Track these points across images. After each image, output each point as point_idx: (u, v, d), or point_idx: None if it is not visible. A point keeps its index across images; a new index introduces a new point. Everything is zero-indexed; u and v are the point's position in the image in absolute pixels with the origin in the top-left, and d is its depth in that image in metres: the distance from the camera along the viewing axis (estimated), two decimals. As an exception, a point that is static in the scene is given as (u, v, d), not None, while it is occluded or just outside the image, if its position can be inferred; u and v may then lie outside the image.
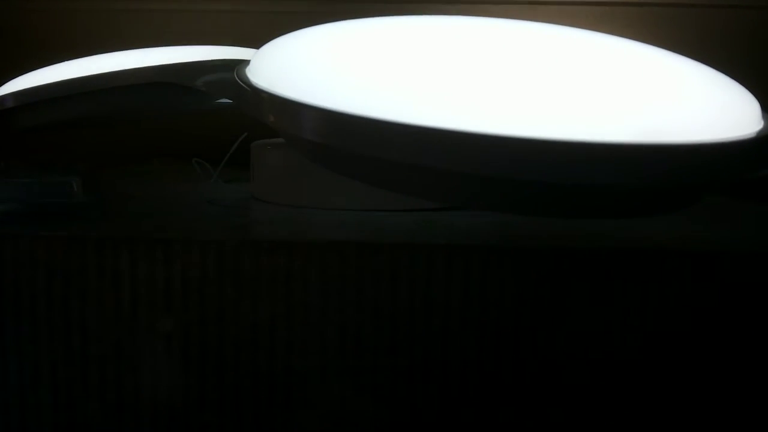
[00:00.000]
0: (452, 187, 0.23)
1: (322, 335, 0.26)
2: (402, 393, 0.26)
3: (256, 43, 0.30)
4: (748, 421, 0.26)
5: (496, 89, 0.22)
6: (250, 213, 0.34)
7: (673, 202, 0.24)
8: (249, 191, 0.39)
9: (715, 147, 0.21)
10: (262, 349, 0.26)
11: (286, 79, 0.24)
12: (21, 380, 0.27)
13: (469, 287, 0.26)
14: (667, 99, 0.22)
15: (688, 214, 0.27)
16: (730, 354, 0.26)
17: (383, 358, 0.26)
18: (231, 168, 0.41)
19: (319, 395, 0.26)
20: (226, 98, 0.40)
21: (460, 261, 0.26)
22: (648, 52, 0.25)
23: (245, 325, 0.26)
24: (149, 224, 0.29)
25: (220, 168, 0.43)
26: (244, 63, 0.28)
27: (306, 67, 0.24)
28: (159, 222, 0.30)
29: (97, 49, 0.40)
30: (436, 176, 0.22)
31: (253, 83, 0.25)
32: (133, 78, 0.38)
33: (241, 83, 0.25)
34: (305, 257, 0.26)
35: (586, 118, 0.21)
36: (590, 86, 0.22)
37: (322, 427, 0.26)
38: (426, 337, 0.26)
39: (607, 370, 0.26)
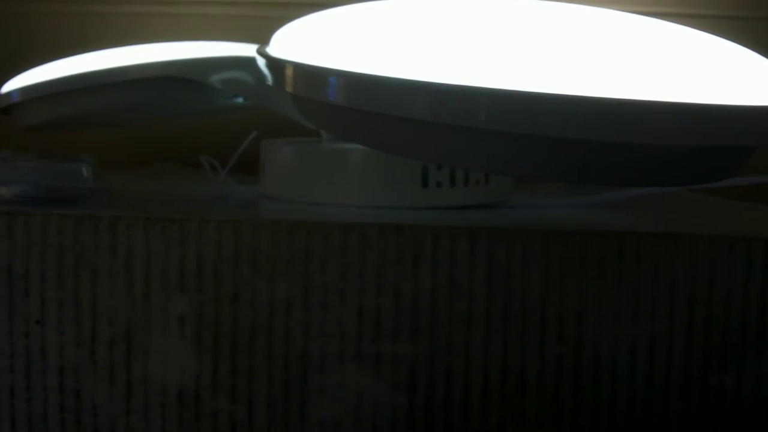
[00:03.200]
0: (490, 148, 0.22)
1: (340, 318, 0.25)
2: (422, 381, 0.25)
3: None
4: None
5: (537, 54, 0.22)
6: (264, 207, 0.33)
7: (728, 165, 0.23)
8: (259, 190, 0.38)
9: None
10: (277, 333, 0.25)
11: (309, 51, 0.24)
12: (28, 362, 0.26)
13: (494, 270, 0.25)
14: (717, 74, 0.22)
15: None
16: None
17: (403, 344, 0.25)
18: (237, 173, 0.40)
19: (335, 382, 0.25)
20: (239, 95, 0.40)
21: (485, 243, 0.25)
22: (684, 30, 0.25)
23: (261, 307, 0.25)
24: (163, 206, 0.29)
25: (230, 164, 0.42)
26: (263, 45, 0.28)
27: (328, 41, 0.24)
28: (173, 206, 0.29)
29: (101, 43, 0.39)
30: (455, 135, 0.21)
31: (276, 56, 0.25)
32: (144, 72, 0.37)
33: (263, 57, 0.25)
34: (325, 237, 0.25)
35: (638, 81, 0.21)
36: (640, 60, 0.22)
37: (338, 416, 0.25)
38: (449, 323, 0.25)
39: (636, 356, 0.25)
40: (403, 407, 0.25)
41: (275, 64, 0.24)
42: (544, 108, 0.20)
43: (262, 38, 0.28)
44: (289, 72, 0.24)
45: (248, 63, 0.32)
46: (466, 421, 0.25)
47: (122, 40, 0.40)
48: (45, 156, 0.33)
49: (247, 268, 0.25)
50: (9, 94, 0.39)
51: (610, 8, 0.26)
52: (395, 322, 0.25)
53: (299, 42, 0.25)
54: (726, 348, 0.25)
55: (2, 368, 0.26)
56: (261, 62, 0.26)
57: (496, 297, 0.25)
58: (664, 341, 0.25)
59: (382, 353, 0.25)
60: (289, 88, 0.24)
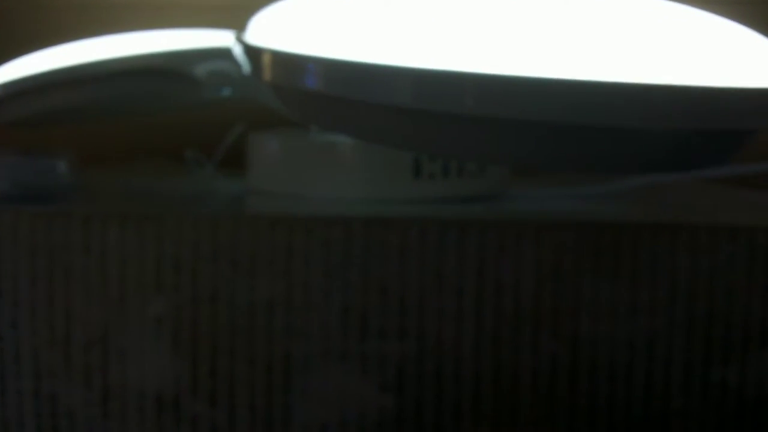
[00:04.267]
0: (465, 134, 0.21)
1: (324, 317, 0.24)
2: (411, 381, 0.24)
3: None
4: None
5: (519, 34, 0.20)
6: (249, 200, 0.32)
7: (723, 150, 0.22)
8: (247, 184, 0.37)
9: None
10: (259, 333, 0.24)
11: (286, 38, 0.23)
12: (2, 366, 0.25)
13: (484, 265, 0.24)
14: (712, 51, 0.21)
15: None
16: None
17: (391, 343, 0.24)
18: (223, 167, 0.39)
19: (320, 384, 0.24)
20: (223, 86, 0.39)
21: (475, 236, 0.24)
22: (679, 8, 0.24)
23: (242, 307, 0.24)
24: (140, 203, 0.28)
25: (216, 158, 0.41)
26: (241, 32, 0.27)
27: (306, 26, 0.23)
28: (151, 201, 0.28)
29: (76, 33, 0.38)
30: (441, 122, 0.20)
31: (253, 43, 0.23)
32: (126, 65, 0.36)
33: (240, 44, 0.24)
34: (307, 232, 0.24)
35: (624, 62, 0.19)
36: (629, 36, 0.21)
37: (323, 419, 0.24)
38: (438, 320, 0.24)
39: (635, 353, 0.24)
40: (390, 408, 0.24)
41: (252, 51, 0.23)
42: (531, 92, 0.19)
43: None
44: (266, 59, 0.23)
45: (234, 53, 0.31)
46: (457, 423, 0.24)
47: (102, 29, 0.39)
48: (22, 152, 0.32)
49: (227, 266, 0.24)
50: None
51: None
52: (382, 320, 0.24)
53: (277, 28, 0.24)
54: (728, 343, 0.24)
55: (-25, 373, 0.25)
56: (238, 50, 0.25)
57: (486, 293, 0.24)
58: (664, 337, 0.24)
59: (368, 353, 0.24)
60: (266, 77, 0.23)
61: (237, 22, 0.31)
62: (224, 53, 0.37)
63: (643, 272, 0.24)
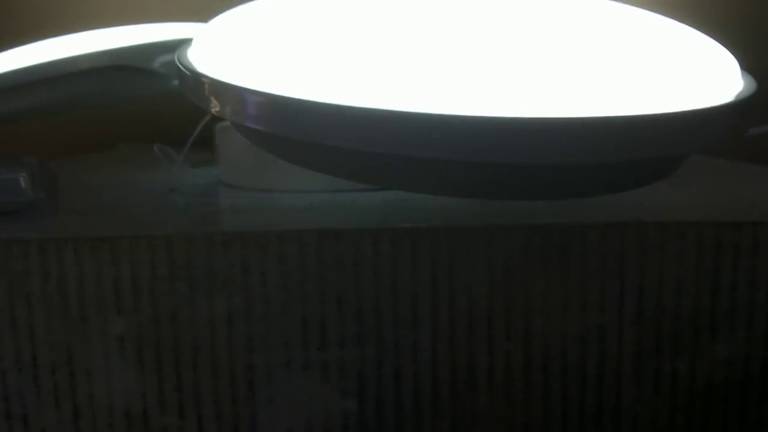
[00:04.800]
0: (407, 171, 0.21)
1: (284, 329, 0.25)
2: (371, 385, 0.25)
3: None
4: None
5: (450, 67, 0.20)
6: (214, 201, 0.32)
7: (650, 174, 0.22)
8: (216, 176, 0.37)
9: (689, 117, 0.19)
10: (220, 348, 0.25)
11: (229, 61, 0.22)
12: (-30, 391, 0.25)
13: (438, 271, 0.24)
14: (636, 65, 0.21)
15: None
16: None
17: (350, 350, 0.25)
18: (201, 150, 0.39)
19: (284, 392, 0.25)
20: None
21: (427, 244, 0.24)
22: (606, 7, 0.23)
23: (202, 324, 0.25)
24: (99, 221, 0.28)
25: (183, 153, 0.41)
26: (187, 44, 0.27)
27: (249, 48, 0.22)
28: (113, 217, 0.28)
29: (41, 31, 0.37)
30: (383, 161, 0.20)
31: (193, 67, 0.23)
32: (88, 63, 0.36)
33: (181, 67, 0.24)
34: (261, 248, 0.24)
35: (548, 93, 0.19)
36: (552, 57, 0.20)
37: (289, 425, 0.25)
38: (394, 326, 0.25)
39: (583, 346, 0.25)
40: (353, 412, 0.25)
41: (194, 78, 0.23)
42: (412, 128, 0.19)
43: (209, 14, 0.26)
44: (207, 90, 0.23)
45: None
46: (418, 422, 0.25)
47: (63, 23, 0.38)
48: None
49: (184, 285, 0.25)
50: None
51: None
52: (340, 328, 0.25)
53: (220, 48, 0.23)
54: (678, 335, 0.25)
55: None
56: (181, 71, 0.24)
57: (441, 298, 0.25)
58: (615, 331, 0.25)
59: (329, 361, 0.25)
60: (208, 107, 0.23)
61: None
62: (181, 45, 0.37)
63: (593, 272, 0.24)
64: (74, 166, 0.45)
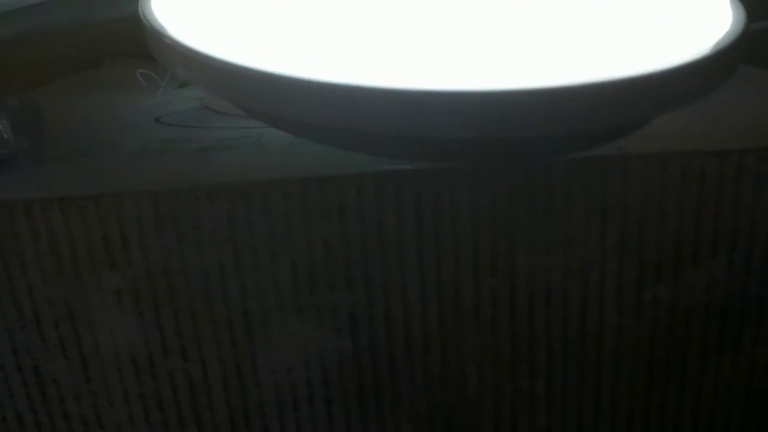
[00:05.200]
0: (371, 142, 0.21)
1: (274, 276, 0.25)
2: (363, 324, 0.26)
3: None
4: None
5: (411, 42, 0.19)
6: (200, 133, 0.32)
7: (614, 133, 0.22)
8: (201, 99, 0.37)
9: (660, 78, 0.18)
10: (215, 296, 0.26)
11: (191, 20, 0.21)
12: (-21, 348, 0.26)
13: (423, 213, 0.25)
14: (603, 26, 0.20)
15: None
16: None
17: (341, 293, 0.25)
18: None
19: (280, 333, 0.26)
20: None
21: (410, 187, 0.24)
22: None
23: (194, 275, 0.25)
24: (84, 171, 0.28)
25: (167, 80, 0.40)
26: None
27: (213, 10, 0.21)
28: (98, 165, 0.28)
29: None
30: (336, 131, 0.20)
31: (155, 24, 0.22)
32: None
33: (144, 20, 0.23)
34: (246, 199, 0.25)
35: (511, 63, 0.18)
36: (516, 28, 0.19)
37: (288, 362, 0.26)
38: (382, 270, 0.25)
39: (566, 277, 0.25)
40: (348, 349, 0.26)
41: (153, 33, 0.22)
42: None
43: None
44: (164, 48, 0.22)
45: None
46: (409, 355, 0.26)
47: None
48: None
49: (173, 239, 0.25)
50: None
51: None
52: (329, 273, 0.25)
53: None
54: (659, 264, 0.25)
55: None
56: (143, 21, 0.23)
57: (426, 241, 0.25)
58: (597, 263, 0.25)
59: (321, 304, 0.26)
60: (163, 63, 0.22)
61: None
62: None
63: (576, 206, 0.24)
64: (59, 93, 0.44)
